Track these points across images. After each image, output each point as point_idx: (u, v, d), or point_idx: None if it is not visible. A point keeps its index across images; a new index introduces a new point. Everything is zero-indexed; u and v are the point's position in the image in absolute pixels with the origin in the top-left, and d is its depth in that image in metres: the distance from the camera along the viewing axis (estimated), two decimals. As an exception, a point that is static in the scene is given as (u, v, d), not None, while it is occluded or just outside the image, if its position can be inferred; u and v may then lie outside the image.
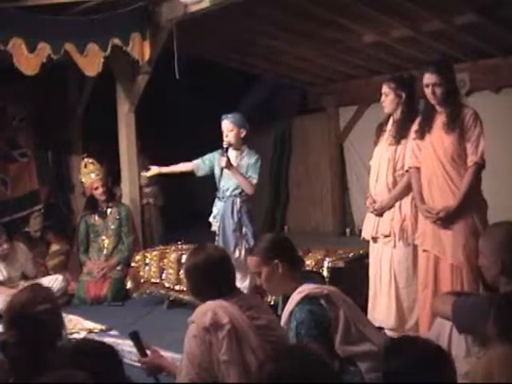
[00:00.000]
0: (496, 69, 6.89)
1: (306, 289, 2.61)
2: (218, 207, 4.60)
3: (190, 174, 4.85)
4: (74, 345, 2.18)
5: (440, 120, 3.62)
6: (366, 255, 4.28)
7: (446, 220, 3.54)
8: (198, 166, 4.78)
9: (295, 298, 2.60)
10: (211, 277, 2.53)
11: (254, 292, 4.31)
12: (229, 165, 4.42)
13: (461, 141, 3.53)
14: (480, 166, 3.53)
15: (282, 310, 2.76)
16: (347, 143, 8.60)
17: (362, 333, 2.58)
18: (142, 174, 5.70)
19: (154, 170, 5.04)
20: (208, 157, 4.75)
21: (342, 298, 2.64)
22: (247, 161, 4.53)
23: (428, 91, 3.59)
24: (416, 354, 1.68)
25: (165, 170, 5.00)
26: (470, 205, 3.52)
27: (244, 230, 4.48)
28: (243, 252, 4.42)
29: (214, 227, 4.61)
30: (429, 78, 3.57)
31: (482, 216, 3.56)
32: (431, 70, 3.57)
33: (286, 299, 2.79)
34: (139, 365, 2.69)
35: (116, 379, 1.92)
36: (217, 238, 4.55)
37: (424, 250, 3.68)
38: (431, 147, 3.64)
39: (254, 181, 4.49)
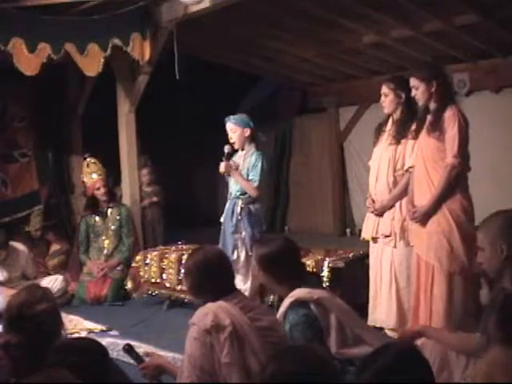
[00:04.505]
0: (496, 69, 6.89)
1: (295, 294, 2.68)
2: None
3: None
4: (58, 343, 2.19)
5: (428, 121, 3.66)
6: (367, 255, 4.28)
7: (420, 219, 3.60)
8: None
9: (286, 302, 2.68)
10: (209, 276, 2.56)
11: (255, 293, 4.30)
12: (228, 170, 4.37)
13: (442, 142, 3.54)
14: (454, 167, 3.49)
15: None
16: (347, 143, 8.59)
17: (359, 336, 2.61)
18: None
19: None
20: None
21: (335, 302, 2.68)
22: (249, 163, 4.40)
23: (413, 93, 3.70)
24: (389, 358, 1.63)
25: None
26: (447, 206, 3.52)
27: (243, 232, 4.34)
28: (243, 254, 4.33)
29: None
30: (411, 81, 3.68)
31: (464, 218, 3.52)
32: (411, 73, 3.70)
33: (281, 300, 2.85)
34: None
35: (102, 373, 1.93)
36: None
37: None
38: (419, 149, 3.69)
39: (255, 184, 4.32)
